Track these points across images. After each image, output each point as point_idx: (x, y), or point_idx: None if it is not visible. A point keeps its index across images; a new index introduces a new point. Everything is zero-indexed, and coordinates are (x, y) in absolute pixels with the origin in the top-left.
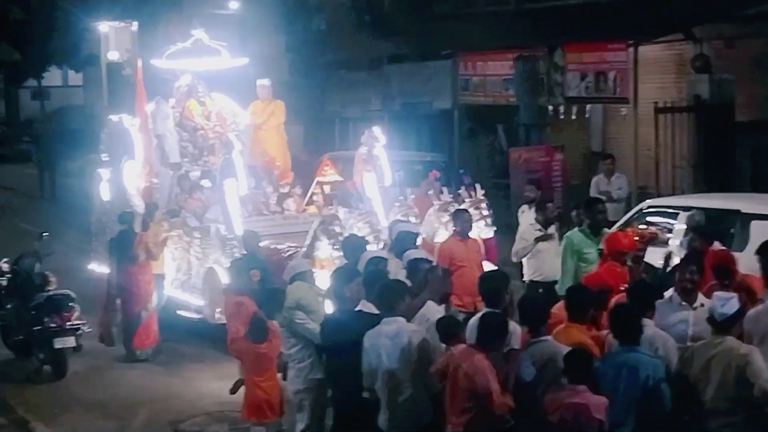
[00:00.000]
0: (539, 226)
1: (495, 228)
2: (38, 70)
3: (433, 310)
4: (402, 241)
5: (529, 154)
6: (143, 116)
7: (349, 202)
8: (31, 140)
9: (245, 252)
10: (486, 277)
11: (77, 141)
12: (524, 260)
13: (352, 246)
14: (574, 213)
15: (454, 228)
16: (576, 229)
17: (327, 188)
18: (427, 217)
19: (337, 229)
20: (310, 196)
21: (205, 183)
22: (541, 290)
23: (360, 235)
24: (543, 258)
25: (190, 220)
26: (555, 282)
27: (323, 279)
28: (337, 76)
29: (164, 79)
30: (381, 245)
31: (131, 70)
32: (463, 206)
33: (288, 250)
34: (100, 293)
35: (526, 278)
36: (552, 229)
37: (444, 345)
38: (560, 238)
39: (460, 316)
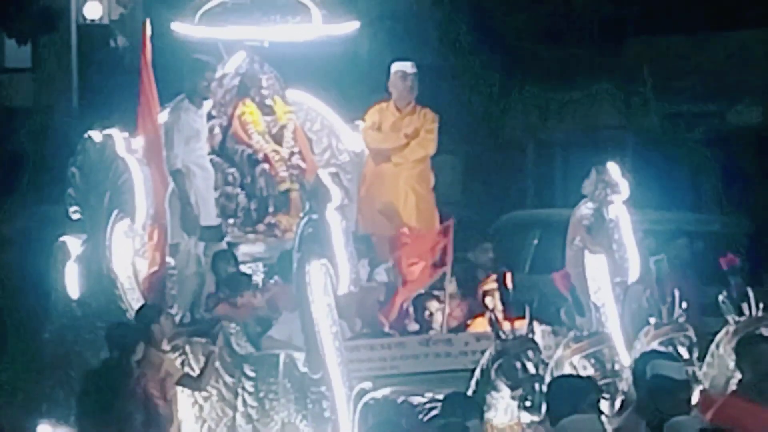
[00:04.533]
0: None
1: None
2: None
3: None
4: (662, 394)
5: None
6: (152, 133)
7: (555, 314)
8: None
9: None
10: None
11: (17, 178)
12: None
13: (563, 396)
14: None
15: (740, 377)
16: None
17: (510, 285)
18: (712, 348)
19: (530, 367)
20: (481, 299)
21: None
22: None
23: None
24: None
25: (235, 341)
26: None
27: None
28: (530, 58)
29: (194, 62)
30: (618, 401)
31: (127, 41)
32: None
33: (430, 406)
34: None
35: None
36: None
37: None
38: None
39: None
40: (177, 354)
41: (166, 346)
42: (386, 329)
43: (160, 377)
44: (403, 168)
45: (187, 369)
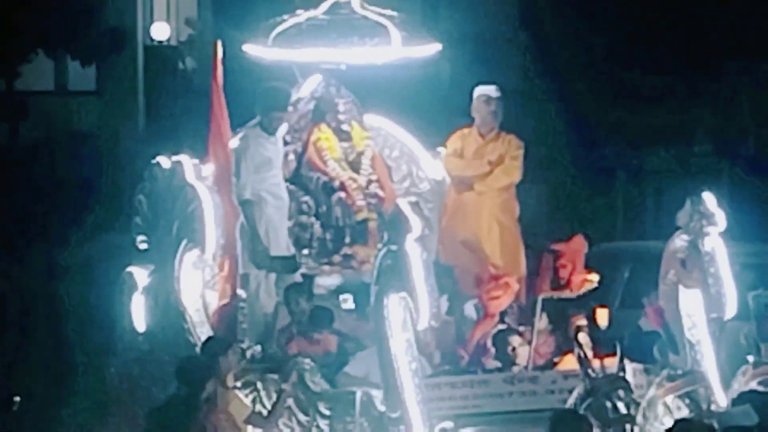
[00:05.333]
0: None
1: None
2: (9, 59)
3: None
4: None
5: None
6: (223, 159)
7: (648, 351)
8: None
9: None
10: None
11: (80, 205)
12: None
13: None
14: None
15: None
16: None
17: (603, 320)
18: None
19: (621, 406)
20: (574, 336)
21: (344, 302)
22: None
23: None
24: None
25: (309, 377)
26: None
27: None
28: (621, 82)
29: (269, 89)
30: None
31: (196, 63)
32: None
33: None
34: None
35: None
36: None
37: None
38: None
39: None
40: (248, 390)
41: (236, 383)
42: (466, 365)
43: (229, 414)
44: (486, 197)
45: (258, 407)
